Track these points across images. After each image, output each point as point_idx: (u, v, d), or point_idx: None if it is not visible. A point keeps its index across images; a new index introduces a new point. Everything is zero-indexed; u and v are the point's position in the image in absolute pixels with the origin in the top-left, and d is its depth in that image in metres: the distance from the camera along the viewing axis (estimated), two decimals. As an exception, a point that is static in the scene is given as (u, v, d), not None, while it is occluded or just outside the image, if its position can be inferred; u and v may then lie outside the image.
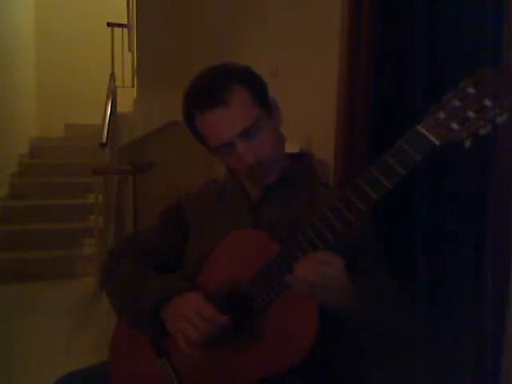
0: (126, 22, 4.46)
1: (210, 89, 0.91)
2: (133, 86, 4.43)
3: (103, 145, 3.29)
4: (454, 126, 0.64)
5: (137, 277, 1.00)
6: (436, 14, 1.41)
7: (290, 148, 1.06)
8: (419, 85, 1.38)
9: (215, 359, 0.87)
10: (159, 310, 0.90)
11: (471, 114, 0.63)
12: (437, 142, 0.65)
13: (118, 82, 4.24)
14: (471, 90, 0.63)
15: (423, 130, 0.66)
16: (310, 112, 2.12)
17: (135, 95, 4.26)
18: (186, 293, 0.90)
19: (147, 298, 0.92)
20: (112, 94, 3.87)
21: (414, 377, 1.32)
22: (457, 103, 0.64)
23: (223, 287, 0.90)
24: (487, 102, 0.62)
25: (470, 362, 1.11)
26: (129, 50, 4.44)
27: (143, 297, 0.93)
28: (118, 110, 4.03)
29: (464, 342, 1.19)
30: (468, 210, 1.26)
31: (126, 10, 4.44)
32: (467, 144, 0.63)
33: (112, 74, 4.16)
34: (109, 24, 4.42)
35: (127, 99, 4.29)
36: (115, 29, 4.45)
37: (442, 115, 0.65)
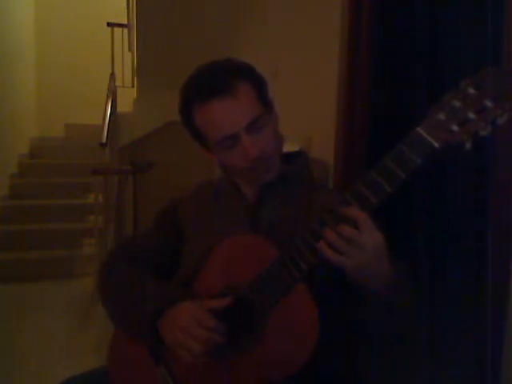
0: (126, 22, 4.46)
1: (215, 79, 0.87)
2: (133, 86, 4.42)
3: (103, 145, 3.29)
4: (454, 127, 0.63)
5: (133, 284, 0.98)
6: (436, 15, 1.41)
7: (290, 148, 1.06)
8: (419, 85, 1.38)
9: (215, 366, 0.86)
10: (156, 319, 0.89)
11: (472, 114, 0.62)
12: (436, 145, 0.64)
13: (118, 82, 4.24)
14: (472, 91, 0.62)
15: (423, 133, 0.65)
16: (310, 112, 2.12)
17: (135, 95, 4.26)
18: (182, 302, 0.88)
19: (143, 307, 0.90)
20: (112, 94, 3.87)
21: (413, 377, 1.32)
22: (457, 104, 0.63)
23: (222, 293, 0.88)
24: (488, 103, 0.61)
25: (470, 362, 1.11)
26: (129, 50, 4.44)
27: (139, 305, 0.91)
28: (118, 109, 4.03)
29: (464, 342, 1.19)
30: (468, 211, 1.26)
31: (126, 10, 4.43)
32: (468, 146, 0.63)
33: (112, 74, 4.15)
34: (109, 24, 4.42)
35: (127, 99, 4.28)
36: (115, 29, 4.45)
37: (441, 116, 0.64)
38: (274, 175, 0.93)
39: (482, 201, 1.13)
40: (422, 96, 1.26)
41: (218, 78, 0.88)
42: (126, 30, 4.49)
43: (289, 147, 1.03)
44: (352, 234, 0.69)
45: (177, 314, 0.86)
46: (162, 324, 0.88)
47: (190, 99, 0.91)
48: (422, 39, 1.43)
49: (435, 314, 1.30)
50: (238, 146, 0.88)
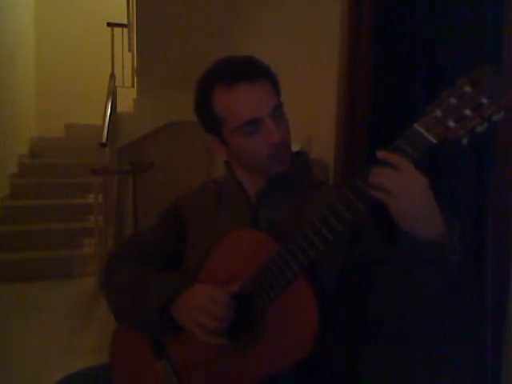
0: (126, 22, 4.46)
1: (242, 66, 0.92)
2: (133, 86, 4.43)
3: (103, 145, 3.30)
4: (451, 123, 0.64)
5: (139, 278, 0.99)
6: (436, 14, 1.41)
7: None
8: (419, 84, 1.38)
9: (216, 359, 0.87)
10: (167, 306, 0.90)
11: (468, 111, 0.63)
12: (434, 141, 0.65)
13: (118, 82, 4.24)
14: (468, 89, 0.63)
15: (420, 129, 0.66)
16: (310, 112, 2.12)
17: (135, 95, 4.26)
18: (195, 285, 0.90)
19: (153, 297, 0.92)
20: (112, 94, 3.87)
21: (412, 376, 1.32)
22: (453, 101, 0.64)
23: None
24: (484, 100, 0.62)
25: (470, 363, 1.11)
26: (129, 51, 4.44)
27: (148, 296, 0.93)
28: (118, 109, 4.03)
29: (464, 342, 1.19)
30: (468, 210, 1.26)
31: (126, 10, 4.44)
32: (464, 142, 0.64)
33: (112, 74, 4.16)
34: (109, 24, 4.42)
35: (127, 99, 4.29)
36: (115, 29, 4.45)
37: (438, 113, 0.65)
38: (287, 166, 0.94)
39: (481, 200, 1.13)
40: (422, 95, 1.26)
41: (245, 66, 0.92)
42: (126, 30, 4.49)
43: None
44: (394, 173, 0.66)
45: (189, 297, 0.88)
46: (175, 309, 0.89)
47: (213, 83, 0.92)
48: (422, 38, 1.43)
49: (434, 314, 1.30)
50: (259, 131, 0.90)
